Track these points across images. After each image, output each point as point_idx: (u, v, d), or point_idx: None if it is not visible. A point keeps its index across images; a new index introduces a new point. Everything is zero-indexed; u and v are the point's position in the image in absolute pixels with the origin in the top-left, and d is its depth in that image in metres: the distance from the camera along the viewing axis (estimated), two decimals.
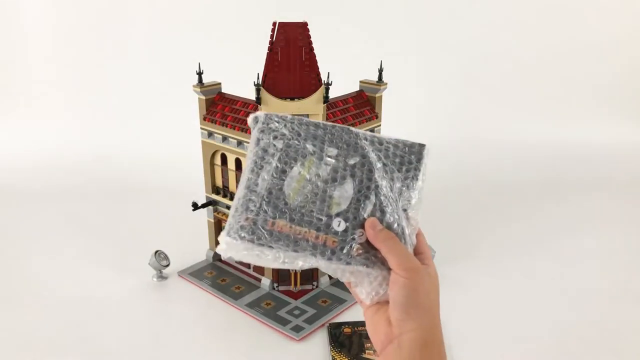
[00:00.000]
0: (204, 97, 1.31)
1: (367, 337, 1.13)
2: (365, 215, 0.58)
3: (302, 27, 1.17)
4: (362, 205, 0.59)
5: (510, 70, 2.40)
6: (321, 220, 0.58)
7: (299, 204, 0.58)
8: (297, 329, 1.18)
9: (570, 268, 1.44)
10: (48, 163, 2.11)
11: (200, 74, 1.30)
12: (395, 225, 0.59)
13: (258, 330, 1.19)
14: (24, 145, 2.21)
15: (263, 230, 0.57)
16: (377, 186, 0.60)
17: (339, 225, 0.58)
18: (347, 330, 1.16)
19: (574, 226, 1.68)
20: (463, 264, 1.45)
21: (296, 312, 1.23)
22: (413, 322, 0.55)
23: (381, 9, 2.34)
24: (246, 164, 0.61)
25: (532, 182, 2.03)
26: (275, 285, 1.32)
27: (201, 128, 1.33)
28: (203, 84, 1.31)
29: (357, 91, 1.36)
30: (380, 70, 1.32)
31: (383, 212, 0.59)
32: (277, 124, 0.62)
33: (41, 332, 1.18)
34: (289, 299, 1.28)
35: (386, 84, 1.33)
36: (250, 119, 0.63)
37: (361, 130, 0.64)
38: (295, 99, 1.16)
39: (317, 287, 1.33)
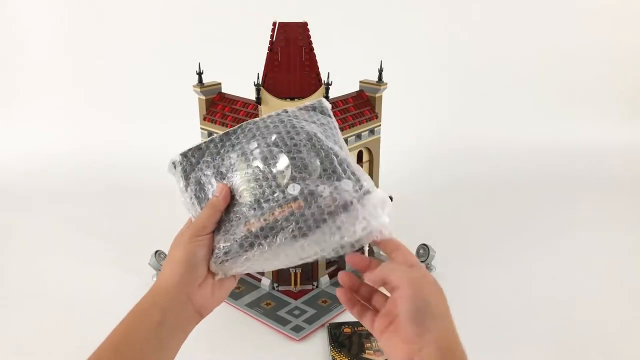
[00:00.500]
0: (204, 97, 1.31)
1: (367, 337, 1.13)
2: (310, 168, 0.61)
3: (302, 27, 1.17)
4: (300, 162, 0.61)
5: (510, 70, 2.40)
6: (277, 194, 0.60)
7: (254, 198, 0.61)
8: (297, 329, 1.18)
9: (570, 268, 1.44)
10: (48, 163, 2.11)
11: (200, 74, 1.30)
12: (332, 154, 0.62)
13: (258, 330, 1.19)
14: (24, 145, 2.21)
15: (240, 237, 0.60)
16: (298, 144, 0.63)
17: (293, 189, 0.60)
18: (347, 330, 1.16)
19: (574, 226, 1.68)
20: (463, 263, 1.45)
21: (296, 312, 1.23)
22: (430, 334, 0.55)
23: (381, 9, 2.34)
24: (189, 211, 0.67)
25: (533, 182, 2.03)
26: (275, 285, 1.32)
27: (201, 128, 1.33)
28: (203, 84, 1.31)
29: (357, 91, 1.36)
30: (380, 70, 1.32)
31: (318, 154, 0.62)
32: (195, 158, 0.68)
33: (41, 332, 1.18)
34: (289, 299, 1.28)
35: (386, 84, 1.33)
36: (168, 168, 0.69)
37: (260, 117, 0.69)
38: (295, 99, 1.16)
39: (317, 287, 1.33)
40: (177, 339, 0.60)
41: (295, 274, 1.30)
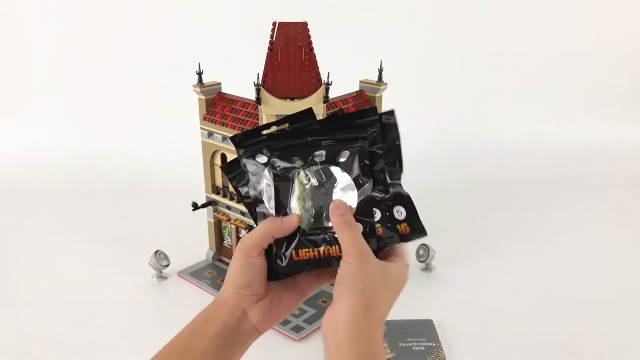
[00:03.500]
0: (204, 97, 1.31)
1: None
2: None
3: (302, 27, 1.17)
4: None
5: (510, 71, 2.40)
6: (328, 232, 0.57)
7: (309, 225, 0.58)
8: (297, 329, 1.18)
9: (571, 267, 1.44)
10: (48, 163, 2.11)
11: (200, 74, 1.30)
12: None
13: None
14: (24, 145, 2.21)
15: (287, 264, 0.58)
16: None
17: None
18: None
19: (574, 226, 1.68)
20: (463, 263, 1.45)
21: (296, 312, 1.23)
22: (342, 302, 0.54)
23: (381, 9, 2.34)
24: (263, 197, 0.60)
25: (533, 182, 2.03)
26: None
27: (201, 128, 1.33)
28: (203, 84, 1.31)
29: (357, 91, 1.36)
30: (380, 70, 1.32)
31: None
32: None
33: (41, 332, 1.18)
34: None
35: (386, 84, 1.33)
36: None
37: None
38: (295, 99, 1.16)
39: None
40: (236, 352, 0.61)
41: None
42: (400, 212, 0.61)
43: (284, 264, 0.58)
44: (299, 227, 0.58)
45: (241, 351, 0.62)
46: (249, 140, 0.60)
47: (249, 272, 0.59)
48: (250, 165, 0.60)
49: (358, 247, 0.55)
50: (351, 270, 0.54)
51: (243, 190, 0.61)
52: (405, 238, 0.61)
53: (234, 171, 0.62)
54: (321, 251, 0.57)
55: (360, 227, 0.57)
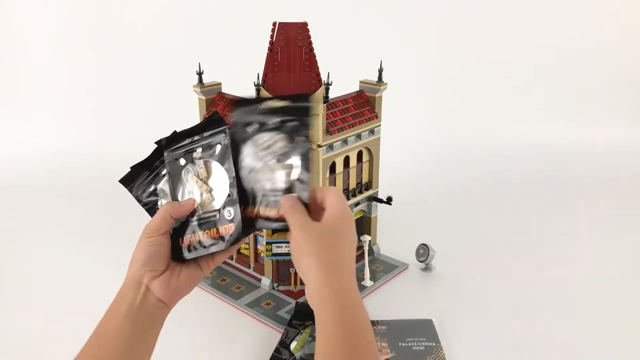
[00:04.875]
0: (204, 97, 1.31)
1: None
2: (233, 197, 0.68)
3: (302, 27, 1.17)
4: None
5: (511, 71, 2.40)
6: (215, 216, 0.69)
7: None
8: None
9: (571, 268, 1.44)
10: (48, 163, 2.12)
11: (200, 74, 1.30)
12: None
13: (258, 330, 1.19)
14: (24, 145, 2.21)
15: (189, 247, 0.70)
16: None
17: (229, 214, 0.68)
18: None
19: (574, 226, 1.68)
20: (463, 263, 1.45)
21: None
22: (307, 272, 0.61)
23: (381, 9, 2.34)
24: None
25: (533, 183, 2.03)
26: (275, 285, 1.32)
27: None
28: (203, 84, 1.31)
29: (357, 91, 1.36)
30: (380, 70, 1.32)
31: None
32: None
33: (41, 332, 1.18)
34: (289, 299, 1.28)
35: (386, 84, 1.33)
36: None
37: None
38: None
39: None
40: (149, 326, 0.67)
41: (296, 273, 1.30)
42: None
43: (186, 251, 0.69)
44: (194, 213, 0.69)
45: (155, 325, 0.69)
46: (173, 145, 0.73)
47: (150, 249, 0.67)
48: (171, 166, 0.72)
49: (298, 222, 0.62)
50: (297, 241, 0.62)
51: (145, 193, 0.76)
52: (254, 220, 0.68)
53: (136, 179, 0.76)
54: (213, 231, 0.68)
55: (304, 210, 0.64)
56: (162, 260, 0.68)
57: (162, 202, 0.74)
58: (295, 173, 0.66)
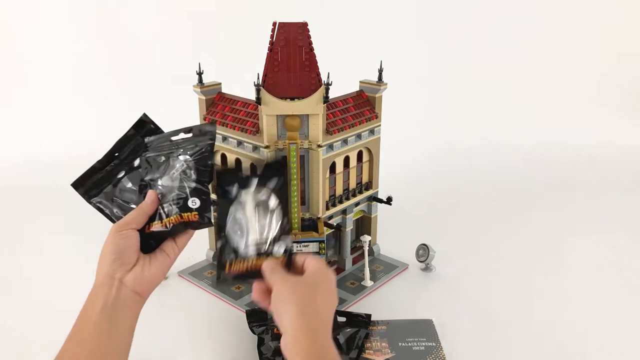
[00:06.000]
0: (204, 97, 1.31)
1: (367, 337, 1.13)
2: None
3: (302, 27, 1.17)
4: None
5: (510, 70, 2.40)
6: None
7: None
8: None
9: (571, 267, 1.45)
10: (48, 163, 2.12)
11: (200, 74, 1.30)
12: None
13: None
14: (24, 145, 2.21)
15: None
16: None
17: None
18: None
19: (574, 226, 1.69)
20: (463, 263, 1.45)
21: None
22: (284, 318, 0.65)
23: (381, 9, 2.34)
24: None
25: (533, 182, 2.03)
26: None
27: None
28: (203, 84, 1.31)
29: (357, 91, 1.36)
30: (380, 70, 1.32)
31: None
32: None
33: (41, 332, 1.18)
34: None
35: (386, 84, 1.33)
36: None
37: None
38: (295, 99, 1.16)
39: None
40: (124, 319, 0.70)
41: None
42: (194, 202, 0.79)
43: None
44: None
45: (131, 318, 0.72)
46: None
47: (121, 242, 0.71)
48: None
49: (279, 278, 0.68)
50: (278, 292, 0.66)
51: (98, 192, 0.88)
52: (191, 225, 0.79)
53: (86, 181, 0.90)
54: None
55: (282, 271, 0.73)
56: (132, 254, 0.72)
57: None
58: (274, 226, 0.77)
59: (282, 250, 0.75)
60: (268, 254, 0.75)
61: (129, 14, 2.30)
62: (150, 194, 0.77)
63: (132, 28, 2.30)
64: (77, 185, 0.86)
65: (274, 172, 0.80)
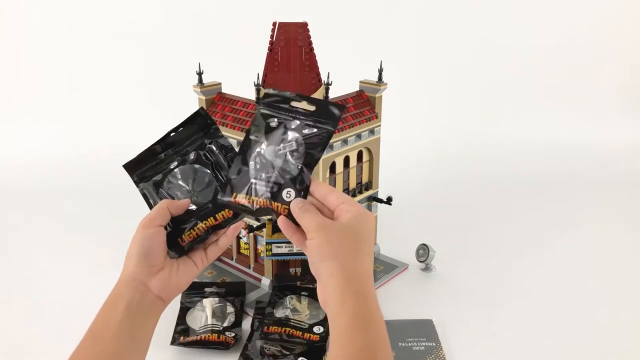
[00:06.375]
0: (204, 97, 1.31)
1: None
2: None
3: (302, 27, 1.17)
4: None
5: (510, 70, 2.40)
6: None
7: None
8: None
9: (571, 267, 1.44)
10: (48, 163, 2.12)
11: (200, 74, 1.30)
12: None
13: None
14: (24, 145, 2.21)
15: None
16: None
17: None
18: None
19: (574, 226, 1.68)
20: (463, 263, 1.45)
21: None
22: (322, 275, 0.59)
23: (381, 9, 2.34)
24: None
25: (533, 182, 2.03)
26: (276, 285, 1.32)
27: None
28: (203, 84, 1.31)
29: (357, 91, 1.36)
30: (380, 70, 1.32)
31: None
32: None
33: (40, 333, 1.18)
34: None
35: (386, 84, 1.33)
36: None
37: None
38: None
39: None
40: (146, 323, 0.67)
41: (296, 273, 1.30)
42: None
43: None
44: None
45: (152, 321, 0.68)
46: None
47: (147, 243, 0.67)
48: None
49: (315, 223, 0.60)
50: (316, 243, 0.59)
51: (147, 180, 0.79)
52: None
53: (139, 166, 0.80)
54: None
55: (315, 211, 0.63)
56: (158, 255, 0.68)
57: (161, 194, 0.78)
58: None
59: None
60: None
61: (129, 14, 2.30)
62: (185, 203, 0.73)
63: (132, 28, 2.30)
64: (130, 168, 0.78)
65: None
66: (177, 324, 1.17)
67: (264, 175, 0.66)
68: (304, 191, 0.65)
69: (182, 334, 1.13)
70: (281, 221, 0.64)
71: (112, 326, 0.64)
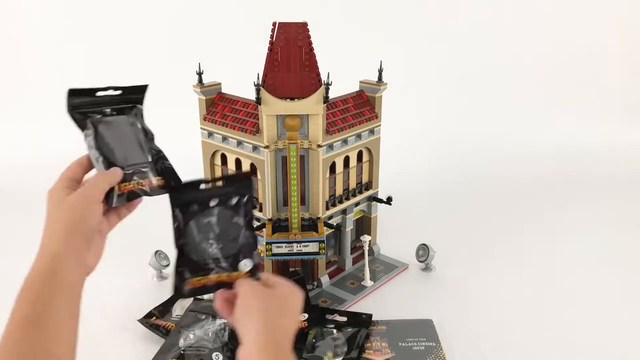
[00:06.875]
0: (204, 97, 1.31)
1: (367, 338, 1.13)
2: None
3: (302, 27, 1.17)
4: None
5: (511, 71, 2.40)
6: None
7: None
8: None
9: (571, 267, 1.44)
10: (48, 163, 2.11)
11: (200, 74, 1.30)
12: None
13: None
14: (24, 145, 2.21)
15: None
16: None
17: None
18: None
19: (574, 226, 1.68)
20: (463, 263, 1.45)
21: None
22: (247, 329, 0.61)
23: (381, 9, 2.34)
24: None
25: (533, 182, 2.03)
26: None
27: (201, 128, 1.33)
28: (203, 84, 1.31)
29: (357, 91, 1.36)
30: (380, 70, 1.32)
31: None
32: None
33: None
34: None
35: (386, 84, 1.33)
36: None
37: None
38: (295, 99, 1.16)
39: (317, 286, 1.33)
40: (75, 298, 0.69)
41: (295, 271, 1.30)
42: None
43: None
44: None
45: (79, 295, 0.70)
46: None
47: (90, 220, 0.71)
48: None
49: (249, 285, 0.65)
50: (244, 298, 0.63)
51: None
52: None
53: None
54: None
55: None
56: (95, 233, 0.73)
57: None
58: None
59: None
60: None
61: (129, 14, 2.30)
62: (117, 171, 0.76)
63: (133, 28, 2.30)
64: (174, 191, 0.78)
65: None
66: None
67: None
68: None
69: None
70: (219, 300, 0.68)
71: (52, 304, 0.67)
